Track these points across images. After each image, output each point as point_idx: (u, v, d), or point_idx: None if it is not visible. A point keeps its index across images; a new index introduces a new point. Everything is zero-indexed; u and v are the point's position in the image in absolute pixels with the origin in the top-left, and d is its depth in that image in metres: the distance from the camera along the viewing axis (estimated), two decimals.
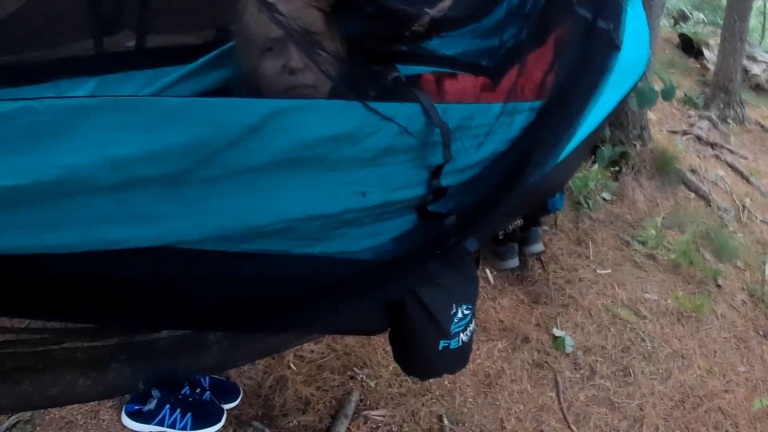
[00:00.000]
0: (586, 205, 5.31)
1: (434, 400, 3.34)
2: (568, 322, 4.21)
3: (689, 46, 11.26)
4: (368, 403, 3.22)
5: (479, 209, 1.83)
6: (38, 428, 2.69)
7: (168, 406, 2.75)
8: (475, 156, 1.76)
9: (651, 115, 6.86)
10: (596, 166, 5.64)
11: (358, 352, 3.46)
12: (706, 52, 10.92)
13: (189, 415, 2.75)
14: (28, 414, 2.71)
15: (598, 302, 4.47)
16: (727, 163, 7.41)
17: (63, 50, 2.10)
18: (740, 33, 8.63)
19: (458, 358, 2.34)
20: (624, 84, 2.55)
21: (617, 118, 5.86)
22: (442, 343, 2.17)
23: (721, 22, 10.11)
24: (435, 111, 1.56)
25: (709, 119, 8.39)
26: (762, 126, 9.07)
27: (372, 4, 1.74)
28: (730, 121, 8.64)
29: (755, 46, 11.74)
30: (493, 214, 1.89)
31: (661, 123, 7.73)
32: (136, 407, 2.75)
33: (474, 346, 3.03)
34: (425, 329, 2.13)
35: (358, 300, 1.86)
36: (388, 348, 2.45)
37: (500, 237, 4.29)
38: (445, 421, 3.25)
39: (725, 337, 4.61)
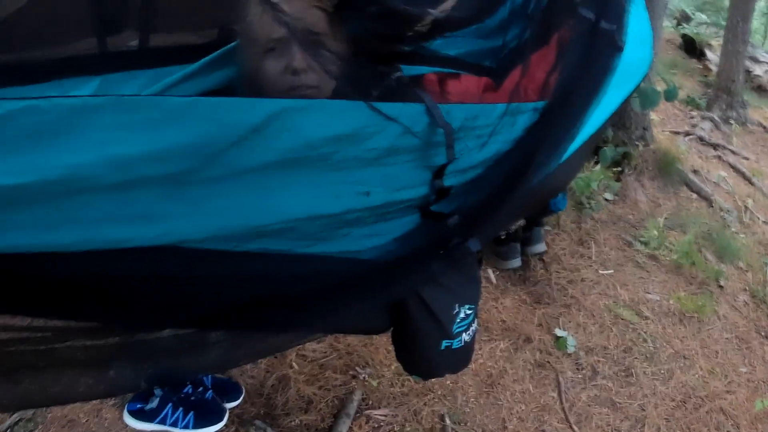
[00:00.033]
0: (588, 206, 5.31)
1: (436, 400, 3.34)
2: (570, 322, 4.21)
3: (692, 47, 11.26)
4: (370, 402, 3.22)
5: (482, 209, 1.83)
6: (40, 426, 2.70)
7: (170, 404, 2.75)
8: (478, 156, 1.76)
9: (653, 116, 6.86)
10: (599, 166, 5.64)
11: (361, 351, 3.46)
12: (708, 53, 10.92)
13: (191, 413, 2.75)
14: (29, 412, 2.71)
15: (600, 302, 4.47)
16: (730, 164, 7.40)
17: (66, 49, 2.11)
18: (743, 34, 8.63)
19: (460, 358, 2.34)
20: (627, 85, 2.56)
21: (620, 118, 5.86)
22: (444, 343, 2.17)
23: (723, 23, 10.10)
24: (438, 111, 1.56)
25: (712, 120, 8.39)
26: (764, 127, 9.06)
27: (375, 5, 1.74)
28: (732, 122, 8.63)
29: (758, 47, 11.74)
30: (496, 215, 1.89)
31: (663, 124, 7.72)
32: (138, 406, 2.75)
33: (476, 346, 3.02)
34: (428, 329, 2.13)
35: (361, 300, 1.86)
36: (391, 347, 2.45)
37: (503, 237, 4.29)
38: (447, 421, 3.25)
39: (727, 338, 4.60)
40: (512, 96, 1.82)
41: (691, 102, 8.80)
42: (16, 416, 2.70)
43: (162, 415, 2.73)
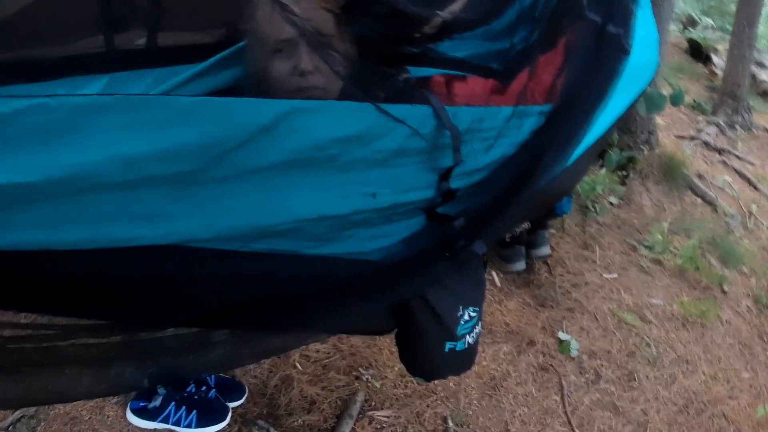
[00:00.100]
0: (593, 209, 5.31)
1: (439, 402, 3.34)
2: (573, 325, 4.21)
3: (698, 52, 11.26)
4: (373, 403, 3.22)
5: (488, 212, 1.83)
6: (43, 423, 2.70)
7: (173, 403, 2.76)
8: (485, 159, 1.76)
9: (659, 120, 6.86)
10: (604, 170, 5.64)
11: (364, 352, 3.46)
12: (714, 57, 10.91)
13: (194, 412, 2.75)
14: (32, 409, 2.72)
15: (603, 306, 4.47)
16: (734, 169, 7.40)
17: (74, 48, 2.11)
18: (749, 39, 8.63)
19: (464, 360, 2.34)
20: (633, 89, 2.55)
21: (625, 122, 5.85)
22: (448, 345, 2.17)
23: (729, 28, 10.11)
24: (445, 114, 1.57)
25: (717, 125, 8.39)
26: None
27: (382, 6, 1.74)
28: (737, 127, 8.63)
29: (764, 52, 11.71)
30: (502, 218, 1.90)
31: (668, 128, 7.72)
32: (141, 404, 2.76)
33: (479, 349, 3.02)
34: (432, 331, 2.13)
35: (366, 301, 1.86)
36: (394, 349, 2.45)
37: (507, 240, 4.28)
38: (450, 423, 3.25)
39: (730, 344, 4.60)
40: (519, 99, 1.82)
41: (696, 106, 8.80)
42: (18, 413, 2.70)
43: (165, 414, 2.74)
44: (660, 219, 5.64)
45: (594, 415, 3.60)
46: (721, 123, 8.48)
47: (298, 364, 3.28)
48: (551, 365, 3.84)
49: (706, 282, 5.07)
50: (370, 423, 3.12)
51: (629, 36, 2.10)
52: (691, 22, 13.74)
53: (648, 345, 4.24)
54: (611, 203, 5.59)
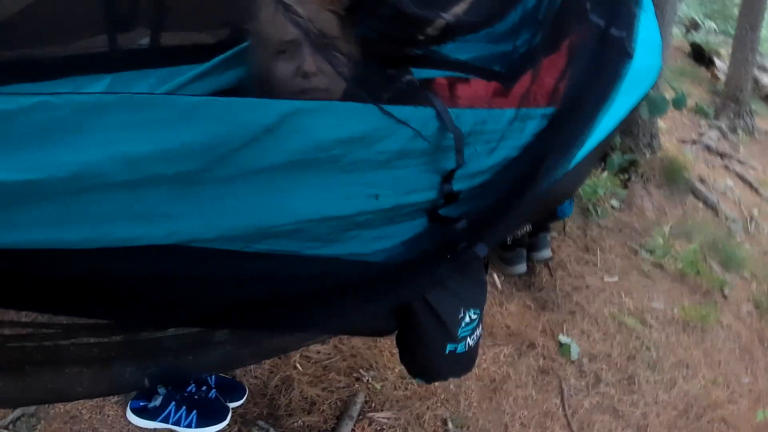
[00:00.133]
0: (594, 213, 5.31)
1: (439, 404, 3.34)
2: (574, 329, 4.21)
3: (700, 55, 11.26)
4: (373, 405, 3.22)
5: (490, 215, 1.83)
6: (42, 422, 2.70)
7: (173, 403, 2.76)
8: (487, 161, 1.76)
9: (661, 124, 6.86)
10: (606, 173, 5.64)
11: (365, 354, 3.46)
12: (717, 61, 10.92)
13: (194, 412, 2.75)
14: (32, 408, 2.72)
15: (604, 310, 4.47)
16: (736, 173, 7.41)
17: (77, 46, 2.11)
18: (752, 43, 8.65)
19: (464, 363, 2.34)
20: (636, 92, 2.55)
21: (627, 125, 5.85)
22: (449, 347, 2.17)
23: (732, 32, 10.11)
24: (448, 116, 1.57)
25: (719, 129, 8.39)
26: None
27: (387, 8, 1.74)
28: (739, 131, 8.64)
29: (766, 56, 11.73)
30: (504, 220, 1.90)
31: (670, 132, 7.72)
32: (141, 404, 2.76)
33: (480, 351, 3.03)
34: (433, 332, 2.13)
35: (368, 302, 1.86)
36: (395, 350, 2.46)
37: (509, 242, 4.28)
38: (450, 425, 3.25)
39: (730, 348, 4.61)
40: (522, 102, 1.82)
41: (699, 110, 8.80)
42: (18, 412, 2.70)
43: (165, 414, 2.74)
44: (661, 223, 5.64)
45: (594, 419, 3.60)
46: (724, 127, 8.49)
47: (298, 365, 3.28)
48: (551, 368, 3.84)
49: (707, 286, 5.08)
50: (370, 424, 3.12)
51: (632, 39, 2.10)
52: (694, 26, 13.74)
53: (648, 349, 4.25)
54: (613, 206, 5.59)
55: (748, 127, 8.80)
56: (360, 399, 3.19)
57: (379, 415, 3.17)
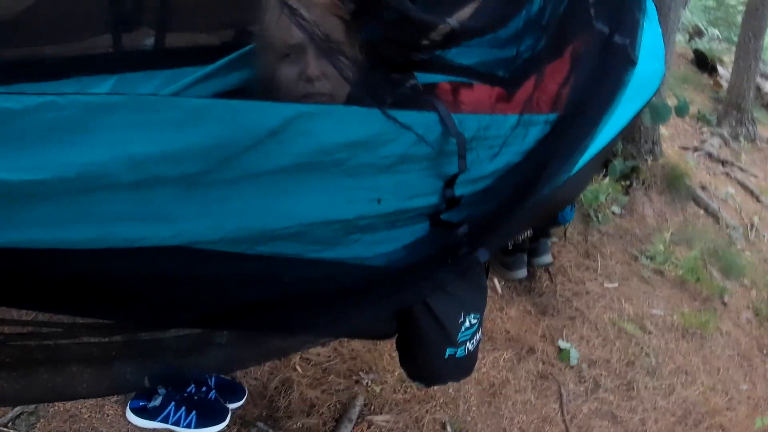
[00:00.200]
0: (595, 218, 5.31)
1: (438, 408, 3.35)
2: (573, 334, 4.22)
3: (703, 62, 11.26)
4: (372, 408, 3.22)
5: (491, 220, 1.84)
6: (42, 420, 2.70)
7: (173, 403, 2.76)
8: (490, 167, 1.77)
9: (663, 131, 6.86)
10: (607, 179, 5.64)
11: (364, 356, 3.46)
12: (720, 68, 10.92)
13: (194, 413, 2.75)
14: (32, 406, 2.72)
15: (604, 316, 4.48)
16: (737, 180, 7.41)
17: (82, 47, 2.11)
18: (754, 51, 8.65)
19: (464, 367, 2.35)
20: (639, 99, 2.56)
21: (630, 132, 5.85)
22: (448, 351, 2.17)
23: (735, 39, 10.11)
24: (452, 121, 1.58)
25: (721, 136, 8.40)
26: None
27: (392, 13, 1.74)
28: (741, 138, 8.65)
29: None
30: (505, 225, 1.90)
31: (672, 138, 7.73)
32: (141, 403, 2.76)
33: (480, 355, 3.03)
34: (433, 336, 2.13)
35: (369, 306, 1.86)
36: (394, 353, 2.46)
37: (509, 247, 4.28)
38: (449, 429, 3.25)
39: (729, 355, 4.61)
40: (525, 107, 1.82)
41: (701, 117, 8.80)
42: (17, 410, 2.71)
43: (165, 414, 2.74)
44: (662, 229, 5.64)
45: (592, 424, 3.61)
46: (725, 134, 8.50)
47: (298, 367, 3.28)
48: (551, 373, 3.85)
49: (707, 293, 5.08)
50: (369, 427, 3.12)
51: (636, 47, 2.11)
52: (697, 33, 13.73)
53: (647, 355, 4.25)
54: (614, 212, 5.59)
55: (749, 134, 8.81)
56: (359, 402, 3.20)
57: (378, 418, 3.17)
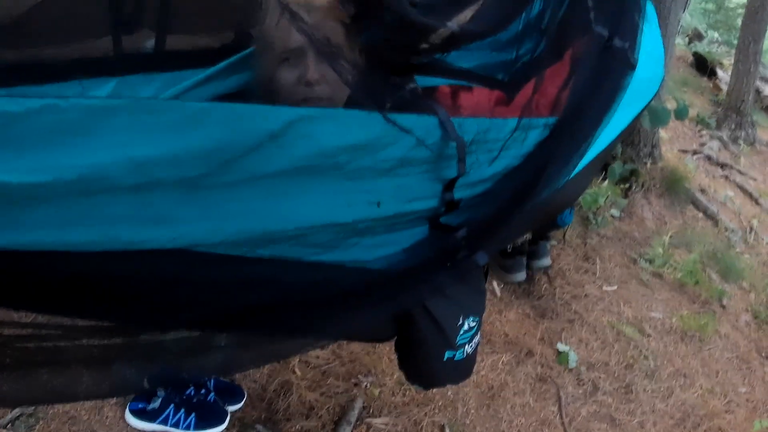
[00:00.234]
0: (594, 221, 5.31)
1: (437, 411, 3.35)
2: (572, 337, 4.22)
3: (703, 66, 11.27)
4: (371, 410, 3.22)
5: (490, 223, 1.84)
6: (41, 422, 2.70)
7: (172, 405, 2.76)
8: (489, 170, 1.77)
9: (662, 134, 6.87)
10: (606, 182, 5.64)
11: (363, 359, 3.46)
12: (719, 72, 10.93)
13: (193, 415, 2.76)
14: (31, 408, 2.72)
15: (603, 319, 4.47)
16: (737, 183, 7.41)
17: (82, 49, 2.11)
18: (754, 54, 8.66)
19: (462, 370, 2.35)
20: (638, 103, 2.56)
21: (629, 135, 5.86)
22: (447, 354, 2.18)
23: (735, 43, 10.12)
24: (451, 125, 1.58)
25: (720, 139, 8.40)
26: None
27: (392, 16, 1.74)
28: (740, 142, 8.65)
29: None
30: (504, 228, 1.91)
31: (672, 141, 7.73)
32: (140, 405, 2.76)
33: (478, 358, 3.03)
34: (431, 339, 2.14)
35: (368, 308, 1.86)
36: (393, 356, 2.46)
37: (508, 250, 4.28)
38: None
39: (728, 358, 4.61)
40: (524, 111, 1.83)
41: (700, 121, 8.81)
42: (17, 411, 2.71)
43: (164, 416, 2.74)
44: (661, 232, 5.64)
45: (591, 427, 3.60)
46: (725, 137, 8.50)
47: (297, 370, 3.28)
48: (549, 376, 3.84)
49: (706, 296, 5.08)
50: (367, 430, 3.12)
51: (635, 50, 2.11)
52: (697, 36, 13.74)
53: (646, 358, 4.25)
54: (613, 216, 5.59)
55: (749, 137, 8.82)
56: (358, 404, 3.20)
57: (377, 421, 3.17)
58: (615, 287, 4.84)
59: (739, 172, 7.76)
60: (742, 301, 5.30)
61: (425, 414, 3.29)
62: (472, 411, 3.43)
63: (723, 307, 5.10)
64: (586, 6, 2.02)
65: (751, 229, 6.48)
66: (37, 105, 1.07)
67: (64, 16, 2.06)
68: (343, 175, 1.47)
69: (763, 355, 4.80)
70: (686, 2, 5.98)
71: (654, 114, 5.33)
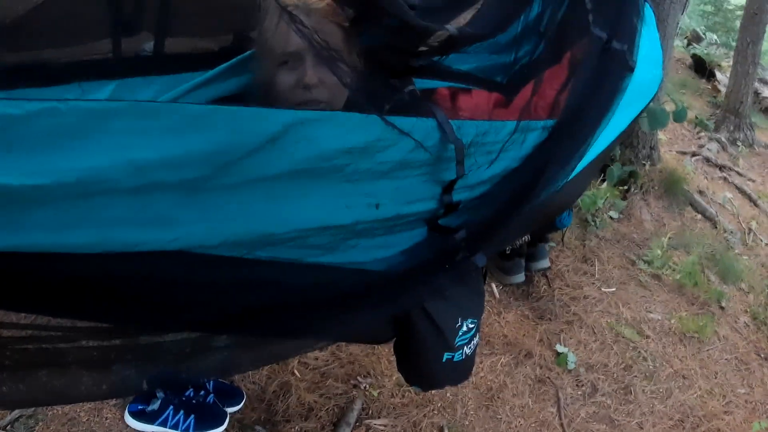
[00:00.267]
0: (593, 223, 5.31)
1: (436, 412, 3.35)
2: (571, 338, 4.22)
3: (702, 67, 11.26)
4: (370, 412, 3.23)
5: (489, 225, 1.84)
6: (41, 423, 2.71)
7: (171, 407, 2.76)
8: (488, 172, 1.78)
9: (661, 136, 6.86)
10: (605, 184, 5.63)
11: (362, 361, 3.47)
12: (718, 73, 10.92)
13: (192, 416, 2.76)
14: (30, 409, 2.72)
15: (602, 320, 4.47)
16: (735, 185, 7.41)
17: (82, 51, 2.11)
18: (753, 56, 8.65)
19: (461, 371, 2.35)
20: (636, 105, 2.57)
21: (628, 137, 5.86)
22: (446, 356, 2.18)
23: (734, 44, 10.11)
24: (450, 127, 1.58)
25: (719, 141, 8.39)
26: None
27: (391, 19, 1.75)
28: (739, 143, 8.64)
29: (767, 69, 11.73)
30: (503, 230, 1.91)
31: (670, 143, 7.73)
32: (139, 407, 2.76)
33: (477, 360, 3.03)
34: (430, 341, 2.14)
35: (368, 310, 1.86)
36: (392, 358, 2.46)
37: (507, 252, 4.28)
38: None
39: (726, 359, 4.61)
40: (523, 114, 1.83)
41: (699, 123, 8.79)
42: (16, 413, 2.71)
43: (163, 417, 2.74)
44: (660, 234, 5.64)
45: (590, 428, 3.61)
46: (723, 139, 8.49)
47: (296, 371, 3.29)
48: (548, 377, 3.85)
49: (705, 298, 5.07)
50: (367, 431, 3.13)
51: (634, 52, 2.12)
52: (696, 38, 13.72)
53: (645, 359, 4.25)
54: (611, 217, 5.59)
55: (747, 139, 8.81)
56: (357, 406, 3.20)
57: (376, 422, 3.17)
58: (614, 289, 4.84)
59: (738, 173, 7.76)
60: (741, 303, 5.29)
61: (424, 415, 3.29)
62: (471, 412, 3.43)
63: (722, 308, 5.10)
64: (585, 8, 2.03)
65: (750, 230, 6.47)
66: (36, 108, 1.08)
67: (64, 18, 2.06)
68: (342, 178, 1.47)
69: (762, 356, 4.79)
70: (685, 4, 5.97)
71: (652, 116, 5.33)
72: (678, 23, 6.15)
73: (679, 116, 5.95)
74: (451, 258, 1.82)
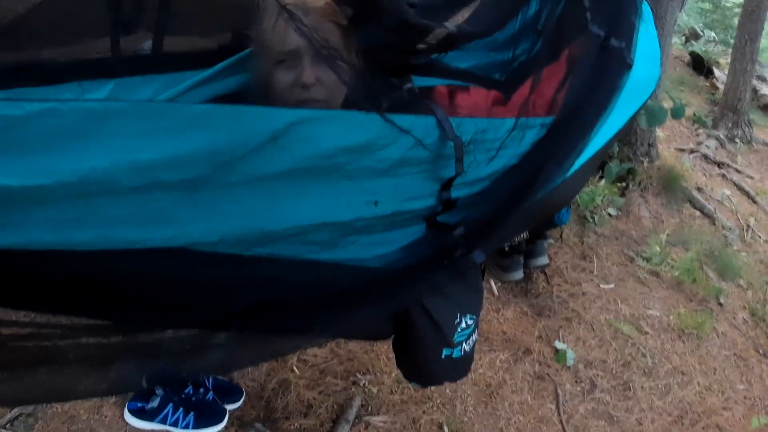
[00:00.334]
0: (591, 220, 5.32)
1: (435, 408, 3.35)
2: (570, 335, 4.22)
3: (700, 65, 11.25)
4: (370, 408, 3.23)
5: (487, 222, 1.84)
6: (40, 421, 2.71)
7: (171, 404, 2.77)
8: (486, 169, 1.78)
9: (659, 133, 6.87)
10: (603, 181, 5.64)
11: (361, 357, 3.47)
12: (716, 71, 10.92)
13: (191, 414, 2.76)
14: (30, 407, 2.73)
15: (600, 317, 4.48)
16: (734, 182, 7.41)
17: (80, 51, 2.11)
18: (751, 53, 8.66)
19: (460, 368, 2.36)
20: (634, 102, 2.57)
21: (626, 134, 5.86)
22: (444, 352, 2.19)
23: (732, 42, 10.11)
24: (449, 125, 1.58)
25: (717, 138, 8.40)
26: None
27: (390, 17, 1.75)
28: (737, 140, 8.64)
29: (765, 66, 11.72)
30: (501, 227, 1.91)
31: (668, 140, 7.74)
32: (139, 404, 2.77)
33: (476, 356, 3.04)
34: (429, 337, 2.14)
35: (367, 307, 1.86)
36: (391, 355, 2.46)
37: (506, 249, 4.28)
38: (446, 430, 3.26)
39: (725, 355, 4.61)
40: (521, 111, 1.83)
41: (697, 120, 8.80)
42: (16, 411, 2.71)
43: (162, 415, 2.75)
44: (658, 231, 5.64)
45: (589, 424, 3.61)
46: (721, 136, 8.50)
47: (295, 368, 3.29)
48: (547, 374, 3.85)
49: (703, 294, 5.08)
50: (366, 428, 3.13)
51: (632, 50, 2.12)
52: (694, 35, 13.73)
53: (644, 355, 4.26)
54: (610, 214, 5.60)
55: (745, 136, 8.81)
56: (356, 403, 3.21)
57: (375, 419, 3.18)
58: (612, 285, 4.85)
59: (736, 170, 7.77)
60: (740, 299, 5.30)
61: (423, 412, 3.30)
62: (471, 409, 3.44)
63: (720, 304, 5.11)
64: (583, 6, 2.03)
65: (748, 227, 6.48)
66: (37, 108, 1.08)
67: (63, 17, 2.06)
68: (341, 176, 1.47)
69: (761, 352, 4.80)
70: (683, 1, 5.98)
71: (651, 113, 5.33)
72: (676, 20, 6.16)
73: (677, 113, 5.95)
74: (450, 255, 1.82)
